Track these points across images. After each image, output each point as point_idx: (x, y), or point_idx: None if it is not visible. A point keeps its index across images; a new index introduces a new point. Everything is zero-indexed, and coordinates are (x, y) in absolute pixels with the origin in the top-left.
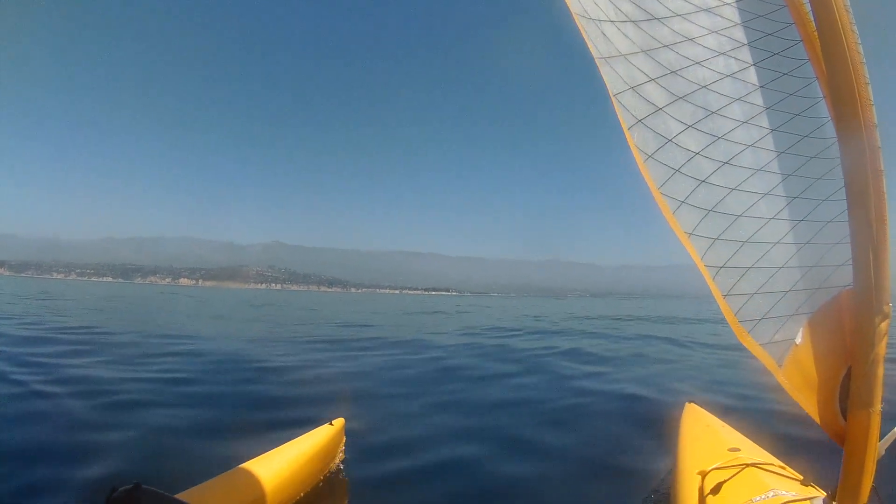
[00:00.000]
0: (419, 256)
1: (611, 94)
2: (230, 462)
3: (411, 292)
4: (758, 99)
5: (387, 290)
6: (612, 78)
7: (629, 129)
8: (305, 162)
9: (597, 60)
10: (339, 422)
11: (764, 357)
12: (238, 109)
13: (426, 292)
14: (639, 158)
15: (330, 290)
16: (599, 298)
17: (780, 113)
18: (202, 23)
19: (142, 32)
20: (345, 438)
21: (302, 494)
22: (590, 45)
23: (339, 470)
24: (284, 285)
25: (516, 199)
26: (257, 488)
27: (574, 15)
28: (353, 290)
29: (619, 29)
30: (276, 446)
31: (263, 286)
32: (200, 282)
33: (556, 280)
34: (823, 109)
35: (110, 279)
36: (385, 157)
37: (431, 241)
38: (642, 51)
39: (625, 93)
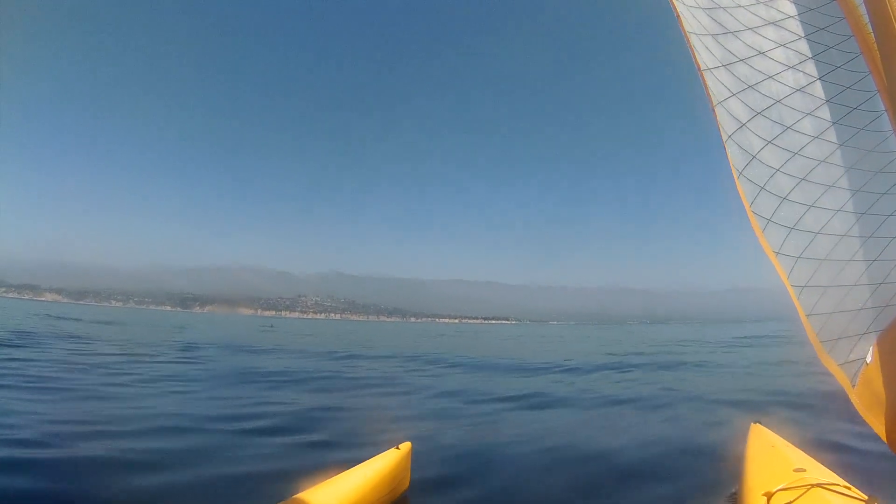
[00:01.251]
0: (476, 285)
1: (713, 106)
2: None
3: (470, 321)
4: (825, 113)
5: (446, 319)
6: (713, 87)
7: (725, 142)
8: (362, 193)
9: (701, 72)
10: (405, 446)
11: (840, 376)
12: (297, 142)
13: (485, 321)
14: (735, 174)
15: (389, 319)
16: (662, 324)
17: (845, 128)
18: (259, 42)
19: (196, 58)
20: (410, 464)
21: None
22: (695, 55)
23: (405, 497)
24: (344, 315)
25: (574, 227)
26: None
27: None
28: (412, 319)
29: (702, 42)
30: (343, 470)
31: (323, 316)
32: (259, 311)
33: (614, 307)
34: (886, 123)
35: (168, 308)
36: (444, 188)
37: (488, 269)
38: (723, 65)
39: (717, 106)
